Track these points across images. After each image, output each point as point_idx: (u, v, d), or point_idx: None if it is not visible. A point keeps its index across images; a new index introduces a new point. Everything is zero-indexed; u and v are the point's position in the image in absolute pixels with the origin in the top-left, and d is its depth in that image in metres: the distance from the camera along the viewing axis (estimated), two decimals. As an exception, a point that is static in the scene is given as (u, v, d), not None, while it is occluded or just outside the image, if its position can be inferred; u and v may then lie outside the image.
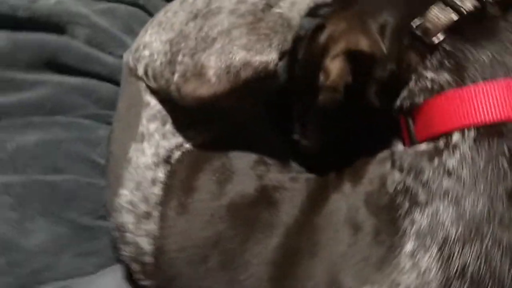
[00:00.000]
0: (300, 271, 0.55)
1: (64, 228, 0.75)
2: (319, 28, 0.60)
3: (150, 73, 0.69)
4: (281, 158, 0.68)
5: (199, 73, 0.61)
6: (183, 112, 0.69)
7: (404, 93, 0.57)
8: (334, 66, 0.57)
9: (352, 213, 0.55)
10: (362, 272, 0.51)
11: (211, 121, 0.70)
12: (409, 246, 0.49)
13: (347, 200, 0.56)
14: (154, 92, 0.71)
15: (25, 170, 0.79)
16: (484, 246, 0.47)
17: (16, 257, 0.71)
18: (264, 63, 0.62)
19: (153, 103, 0.70)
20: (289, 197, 0.61)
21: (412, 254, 0.49)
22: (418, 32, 0.55)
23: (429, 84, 0.54)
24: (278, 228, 0.59)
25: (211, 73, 0.61)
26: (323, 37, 0.58)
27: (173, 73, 0.64)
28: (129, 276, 0.72)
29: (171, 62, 0.64)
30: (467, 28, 0.54)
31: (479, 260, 0.47)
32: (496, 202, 0.48)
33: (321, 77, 0.58)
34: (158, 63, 0.67)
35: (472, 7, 0.53)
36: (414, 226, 0.50)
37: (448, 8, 0.54)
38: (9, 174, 0.78)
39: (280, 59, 0.63)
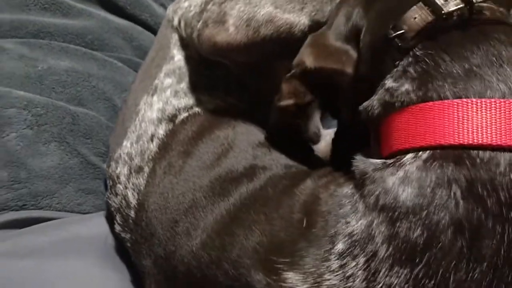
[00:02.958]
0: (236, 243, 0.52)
1: (75, 160, 0.74)
2: None
3: (182, 24, 0.68)
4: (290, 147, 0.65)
5: (220, 20, 0.60)
6: (205, 74, 0.68)
7: (369, 102, 0.51)
8: (285, 87, 0.56)
9: (313, 202, 0.51)
10: (294, 258, 0.47)
11: (231, 90, 0.68)
12: (340, 246, 0.46)
13: (316, 189, 0.53)
14: (185, 46, 0.69)
15: (50, 93, 0.78)
16: (414, 274, 0.43)
17: (20, 174, 0.70)
18: (289, 24, 0.59)
19: (178, 58, 0.69)
20: (271, 177, 0.57)
21: (341, 255, 0.46)
22: (393, 35, 0.49)
23: (388, 96, 0.49)
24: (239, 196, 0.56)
25: (230, 22, 0.60)
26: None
27: (198, 21, 0.62)
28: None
29: (201, 12, 0.63)
30: (445, 33, 0.47)
31: (407, 286, 0.43)
32: (438, 232, 0.43)
33: (275, 98, 0.58)
34: (191, 13, 0.66)
35: (454, 9, 0.47)
36: (348, 229, 0.46)
37: (426, 8, 0.48)
38: (33, 92, 0.77)
39: (310, 27, 0.60)
